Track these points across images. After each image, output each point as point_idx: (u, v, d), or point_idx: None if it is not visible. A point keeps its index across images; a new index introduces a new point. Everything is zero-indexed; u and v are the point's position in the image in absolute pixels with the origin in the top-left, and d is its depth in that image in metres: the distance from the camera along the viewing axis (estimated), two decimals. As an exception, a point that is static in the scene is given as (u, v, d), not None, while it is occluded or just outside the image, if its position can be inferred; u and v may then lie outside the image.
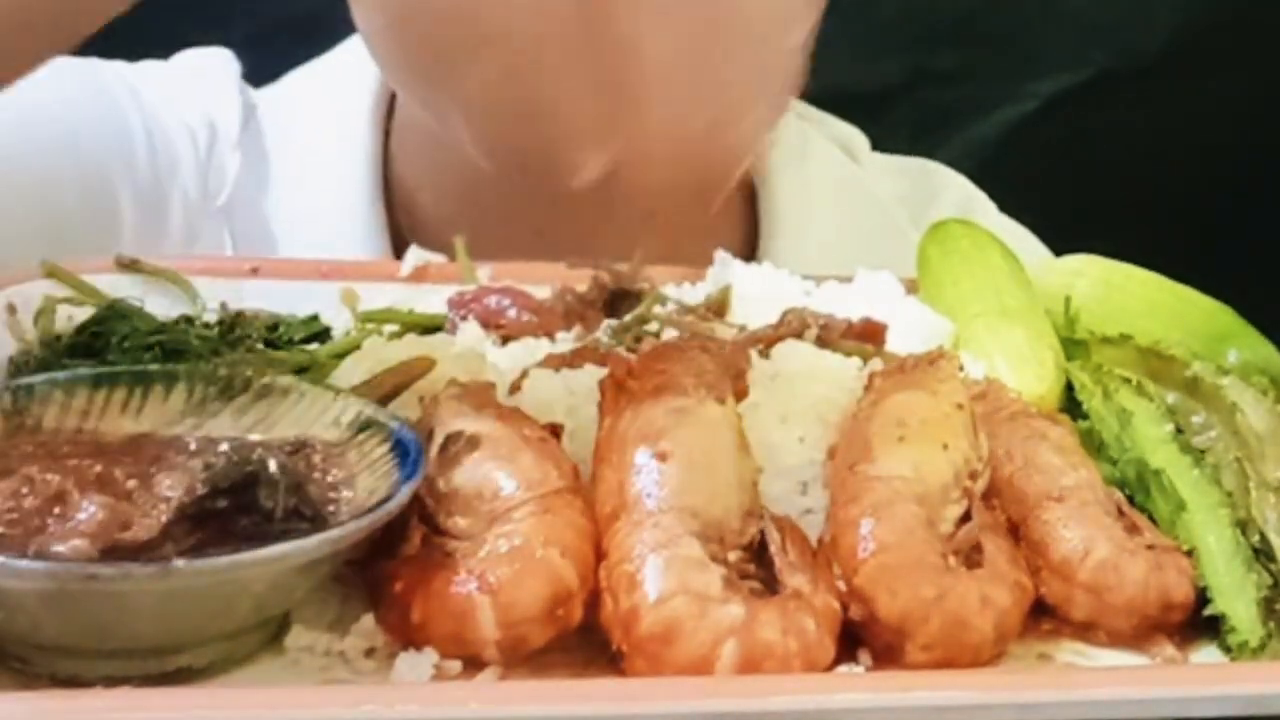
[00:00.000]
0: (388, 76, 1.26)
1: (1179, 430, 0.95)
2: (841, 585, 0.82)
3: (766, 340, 0.97)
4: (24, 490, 0.78)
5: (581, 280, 1.08)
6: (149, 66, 1.36)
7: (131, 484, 0.79)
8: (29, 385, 0.86)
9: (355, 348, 1.00)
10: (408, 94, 1.25)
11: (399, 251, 1.20)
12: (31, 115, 1.23)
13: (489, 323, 1.02)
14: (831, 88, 1.56)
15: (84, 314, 1.04)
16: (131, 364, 0.94)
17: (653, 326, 1.02)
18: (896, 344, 1.01)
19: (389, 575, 0.81)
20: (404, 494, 0.80)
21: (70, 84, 1.28)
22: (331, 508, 0.81)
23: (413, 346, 0.96)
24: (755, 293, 1.06)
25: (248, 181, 1.34)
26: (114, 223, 1.29)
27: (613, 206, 1.18)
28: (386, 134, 1.31)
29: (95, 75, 1.31)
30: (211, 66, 1.38)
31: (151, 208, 1.31)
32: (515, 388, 0.92)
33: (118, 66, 1.34)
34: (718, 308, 1.05)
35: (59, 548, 0.76)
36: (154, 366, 0.90)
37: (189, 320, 1.04)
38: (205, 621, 0.78)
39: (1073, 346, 1.04)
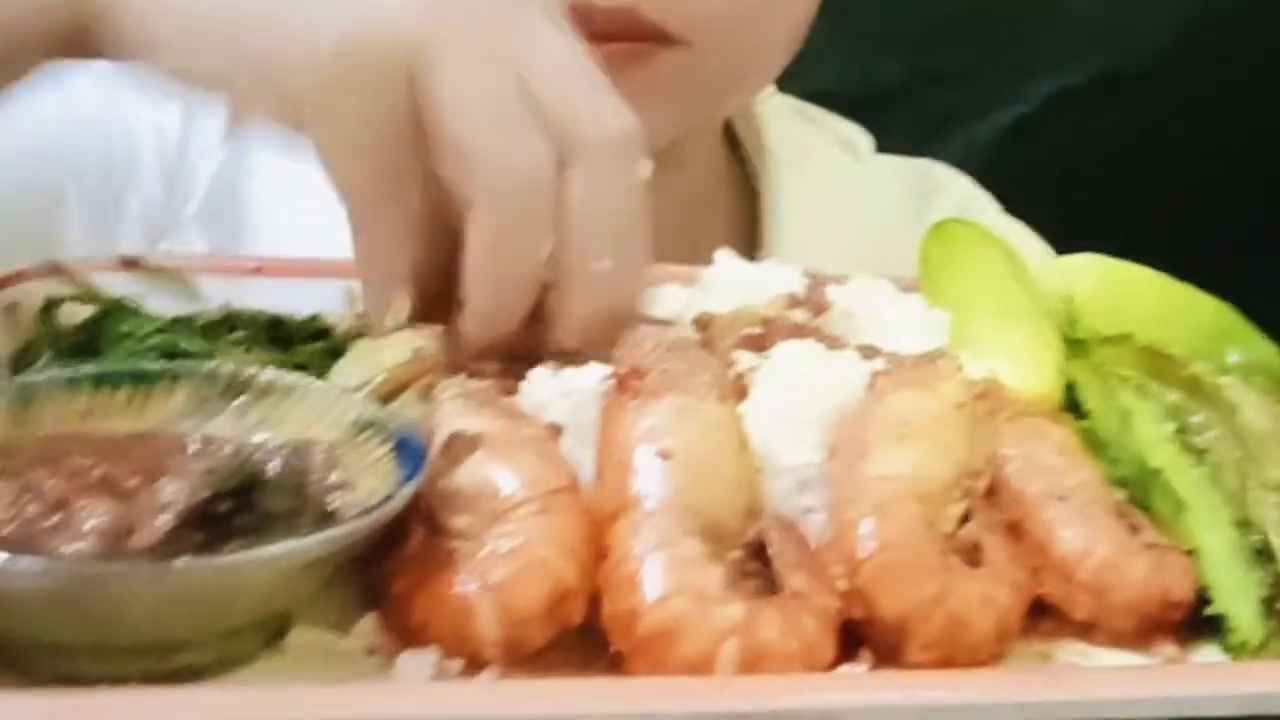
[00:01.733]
0: None
1: (1180, 430, 0.95)
2: (842, 585, 0.82)
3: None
4: (25, 497, 0.78)
5: None
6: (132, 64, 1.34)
7: (134, 484, 0.79)
8: (30, 385, 0.86)
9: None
10: None
11: None
12: None
13: None
14: (832, 88, 1.57)
15: (85, 313, 1.04)
16: (132, 363, 0.94)
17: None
18: (897, 343, 1.01)
19: (390, 575, 0.81)
20: (405, 493, 0.80)
21: None
22: (333, 507, 0.81)
23: (406, 344, 0.96)
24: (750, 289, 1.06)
25: (232, 181, 1.32)
26: (55, 220, 1.27)
27: None
28: None
29: (47, 74, 1.29)
30: None
31: (101, 207, 1.29)
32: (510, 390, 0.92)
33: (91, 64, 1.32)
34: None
35: (62, 550, 0.76)
36: (155, 365, 0.90)
37: (190, 319, 1.04)
38: (206, 621, 0.78)
39: (1073, 346, 1.04)
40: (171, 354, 0.99)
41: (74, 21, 0.97)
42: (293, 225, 1.30)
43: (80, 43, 0.98)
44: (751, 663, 0.77)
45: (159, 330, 1.01)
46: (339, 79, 0.87)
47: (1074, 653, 0.85)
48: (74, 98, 1.31)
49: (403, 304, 0.93)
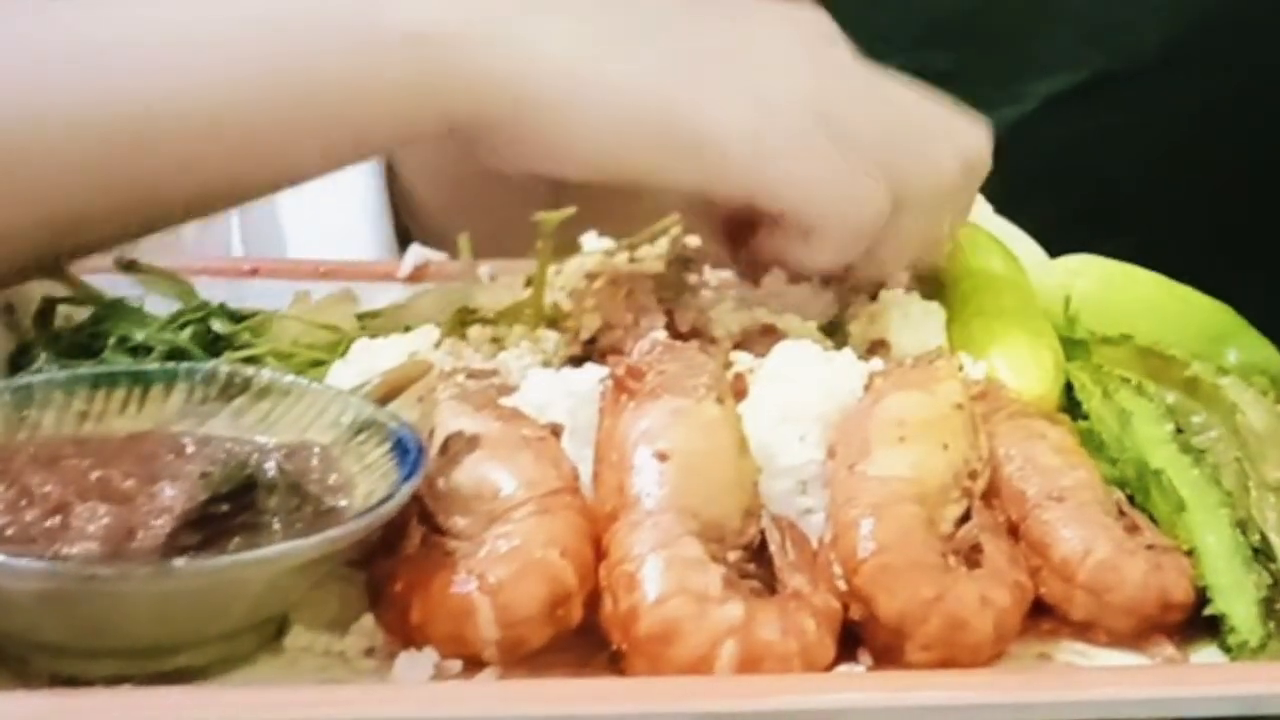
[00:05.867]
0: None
1: (1179, 430, 0.95)
2: (841, 585, 0.82)
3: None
4: (24, 501, 0.78)
5: None
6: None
7: (131, 486, 0.79)
8: (28, 385, 0.86)
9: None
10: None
11: (407, 245, 1.20)
12: None
13: None
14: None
15: (83, 314, 1.04)
16: (130, 364, 0.94)
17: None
18: (893, 343, 1.01)
19: (388, 575, 0.81)
20: (403, 494, 0.80)
21: None
22: (331, 508, 0.81)
23: (401, 346, 0.96)
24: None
25: None
26: None
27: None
28: None
29: None
30: None
31: None
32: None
33: None
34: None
35: (62, 552, 0.76)
36: (153, 366, 0.90)
37: (188, 321, 1.04)
38: (204, 621, 0.78)
39: (1072, 346, 1.04)
40: (169, 355, 0.99)
41: (440, 128, 0.95)
42: (310, 211, 1.31)
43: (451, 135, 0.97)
44: (750, 663, 0.77)
45: (158, 331, 1.01)
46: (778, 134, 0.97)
47: (1073, 653, 0.85)
48: None
49: None
